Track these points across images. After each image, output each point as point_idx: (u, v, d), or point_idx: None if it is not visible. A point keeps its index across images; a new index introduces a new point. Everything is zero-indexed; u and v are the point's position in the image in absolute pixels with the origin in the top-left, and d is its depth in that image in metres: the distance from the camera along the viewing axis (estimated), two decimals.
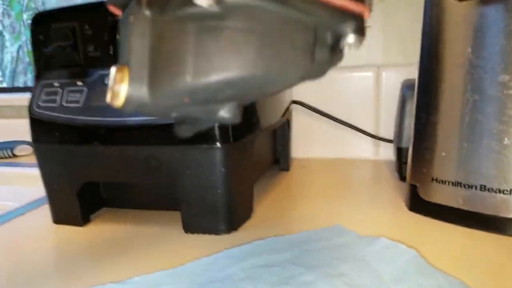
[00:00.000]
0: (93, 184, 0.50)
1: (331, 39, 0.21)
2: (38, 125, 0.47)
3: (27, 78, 1.21)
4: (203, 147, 0.41)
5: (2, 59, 1.23)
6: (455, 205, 0.43)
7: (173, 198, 0.45)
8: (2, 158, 0.89)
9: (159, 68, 0.21)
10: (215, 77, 0.20)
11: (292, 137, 0.71)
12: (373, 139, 0.72)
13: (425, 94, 0.46)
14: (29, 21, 0.57)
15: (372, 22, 0.70)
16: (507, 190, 0.39)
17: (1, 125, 0.97)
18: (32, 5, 1.18)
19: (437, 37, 0.44)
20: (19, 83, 1.23)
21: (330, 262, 0.35)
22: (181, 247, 0.41)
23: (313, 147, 0.76)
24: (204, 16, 0.20)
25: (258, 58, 0.20)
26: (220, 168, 0.42)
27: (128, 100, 0.21)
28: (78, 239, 0.46)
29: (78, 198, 0.48)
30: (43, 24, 0.46)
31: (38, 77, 0.48)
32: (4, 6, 1.20)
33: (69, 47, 0.45)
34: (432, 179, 0.45)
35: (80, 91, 0.45)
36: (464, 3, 0.40)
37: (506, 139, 0.39)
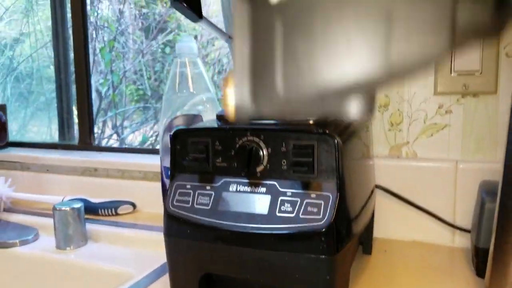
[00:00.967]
0: (211, 275, 0.59)
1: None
2: (171, 220, 0.57)
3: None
4: (310, 257, 0.50)
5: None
6: None
7: None
8: (106, 216, 1.01)
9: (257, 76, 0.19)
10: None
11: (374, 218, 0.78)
12: (450, 227, 0.78)
13: (507, 205, 0.52)
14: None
15: (453, 120, 0.77)
16: None
17: (106, 184, 1.10)
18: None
19: None
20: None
21: None
22: None
23: (393, 229, 0.82)
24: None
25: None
26: (325, 277, 0.49)
27: (238, 110, 0.20)
28: None
29: (198, 285, 0.57)
30: (181, 139, 0.57)
31: (172, 178, 0.59)
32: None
33: (203, 158, 0.56)
34: None
35: (209, 195, 0.55)
36: None
37: None
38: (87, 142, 1.25)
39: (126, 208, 1.02)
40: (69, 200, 1.00)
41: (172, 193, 0.58)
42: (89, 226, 0.89)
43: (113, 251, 0.83)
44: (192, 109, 0.79)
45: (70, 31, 1.27)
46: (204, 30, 1.26)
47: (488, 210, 0.63)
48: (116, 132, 1.45)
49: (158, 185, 0.86)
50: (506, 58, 0.73)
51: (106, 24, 1.38)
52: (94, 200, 1.03)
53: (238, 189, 0.54)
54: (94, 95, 1.30)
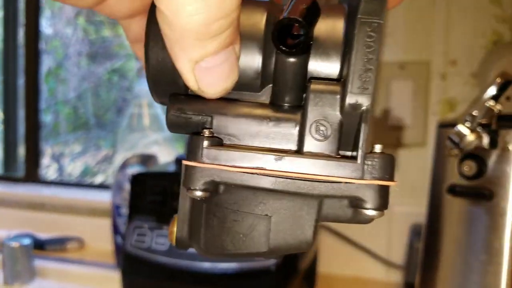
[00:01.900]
0: None
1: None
2: (129, 259, 0.60)
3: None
4: None
5: None
6: None
7: None
8: (53, 251, 1.01)
9: (194, 225, 0.25)
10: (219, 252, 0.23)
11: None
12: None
13: (429, 247, 0.59)
14: None
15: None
16: None
17: (54, 219, 1.09)
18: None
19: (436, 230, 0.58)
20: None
21: None
22: None
23: (335, 264, 0.88)
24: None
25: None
26: None
27: (177, 240, 0.25)
28: None
29: None
30: (140, 181, 0.61)
31: (131, 218, 0.62)
32: None
33: (160, 201, 0.59)
34: None
35: (166, 236, 0.59)
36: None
37: None
38: (33, 175, 1.24)
39: (74, 244, 1.02)
40: (16, 236, 0.99)
41: (130, 233, 0.61)
42: (37, 262, 0.88)
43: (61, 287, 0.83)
44: (147, 148, 0.83)
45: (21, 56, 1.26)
46: None
47: (416, 250, 0.70)
48: (57, 161, 1.42)
49: (107, 221, 0.87)
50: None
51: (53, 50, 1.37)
52: (41, 235, 1.02)
53: None
54: None
